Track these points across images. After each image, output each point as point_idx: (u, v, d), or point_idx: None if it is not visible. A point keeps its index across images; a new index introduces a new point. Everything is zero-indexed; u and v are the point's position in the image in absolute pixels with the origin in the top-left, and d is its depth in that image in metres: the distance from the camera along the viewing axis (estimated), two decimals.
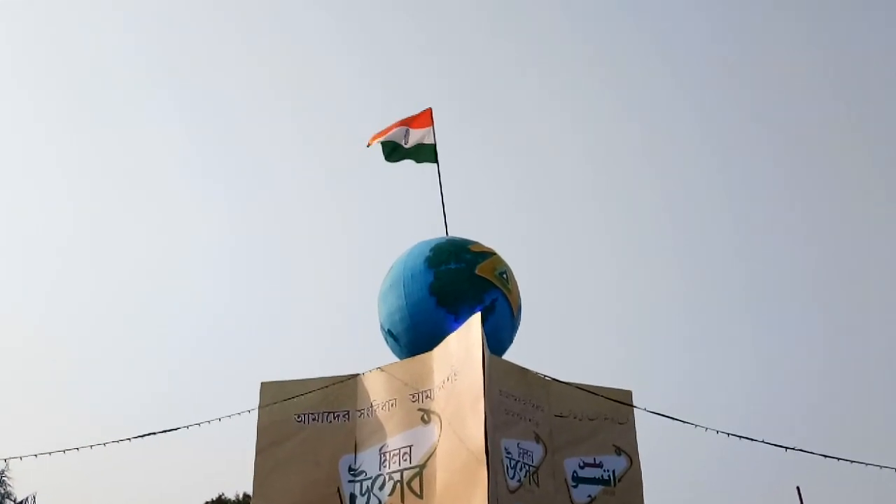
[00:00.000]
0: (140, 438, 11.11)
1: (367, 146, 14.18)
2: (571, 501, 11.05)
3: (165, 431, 11.23)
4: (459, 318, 11.31)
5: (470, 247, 12.26)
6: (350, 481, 11.02)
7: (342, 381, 11.59)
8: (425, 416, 10.85)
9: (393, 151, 14.09)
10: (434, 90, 30.80)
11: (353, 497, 10.95)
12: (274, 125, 31.95)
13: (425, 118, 13.99)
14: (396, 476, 10.69)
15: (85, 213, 30.47)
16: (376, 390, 11.42)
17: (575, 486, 11.16)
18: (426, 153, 13.88)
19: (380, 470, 10.85)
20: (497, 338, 11.67)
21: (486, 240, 12.60)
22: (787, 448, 10.69)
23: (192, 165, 31.43)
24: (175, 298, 28.39)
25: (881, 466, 10.81)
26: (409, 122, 14.01)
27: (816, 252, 28.60)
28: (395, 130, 14.02)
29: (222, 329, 27.03)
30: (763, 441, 10.79)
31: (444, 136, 14.05)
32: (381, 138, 14.03)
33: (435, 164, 13.72)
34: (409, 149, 13.98)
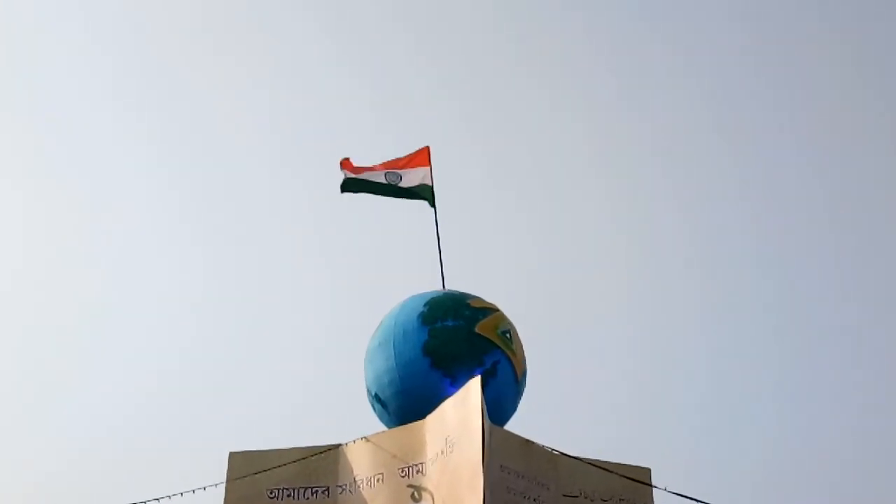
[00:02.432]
0: None
1: (344, 173, 13.78)
2: None
3: None
4: (456, 382, 11.08)
5: (469, 302, 12.07)
6: None
7: (322, 453, 11.31)
8: (416, 494, 10.61)
9: (354, 184, 13.72)
10: (432, 119, 30.79)
11: None
12: (247, 151, 31.73)
13: (421, 157, 13.81)
14: None
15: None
16: (361, 463, 11.12)
17: None
18: (423, 195, 13.67)
19: None
20: (499, 405, 11.38)
21: (488, 294, 12.43)
22: None
23: (153, 189, 31.14)
24: (123, 351, 28.07)
25: None
26: (402, 163, 13.77)
27: (860, 308, 28.30)
28: (378, 171, 13.76)
29: (182, 389, 26.71)
30: None
31: (441, 173, 13.89)
32: (361, 175, 13.75)
33: (431, 207, 13.59)
34: (401, 188, 13.69)
